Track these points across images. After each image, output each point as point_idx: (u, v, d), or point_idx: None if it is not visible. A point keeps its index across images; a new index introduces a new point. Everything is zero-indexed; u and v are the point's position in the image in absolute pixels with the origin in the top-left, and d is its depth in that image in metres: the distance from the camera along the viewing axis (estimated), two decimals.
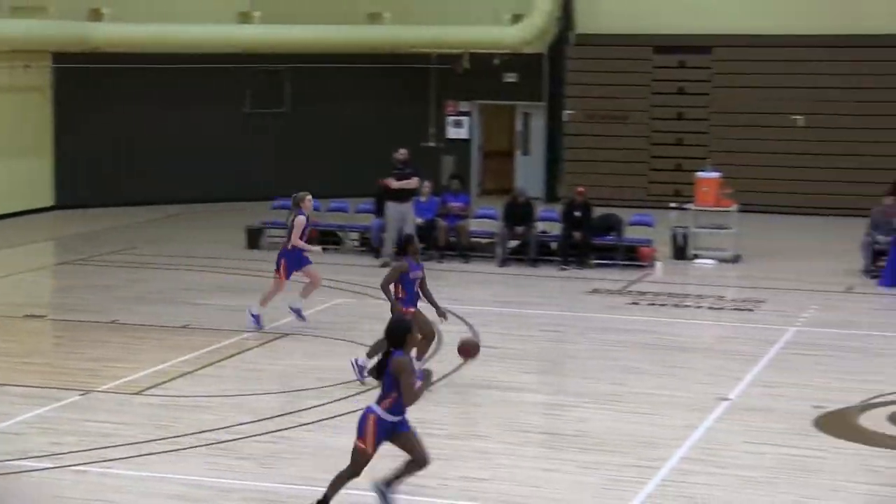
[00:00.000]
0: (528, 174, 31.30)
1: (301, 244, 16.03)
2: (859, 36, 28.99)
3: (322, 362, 14.64)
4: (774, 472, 10.78)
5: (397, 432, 9.41)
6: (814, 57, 29.46)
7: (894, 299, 19.19)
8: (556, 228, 22.40)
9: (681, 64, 30.71)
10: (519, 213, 22.07)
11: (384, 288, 13.45)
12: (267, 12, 30.08)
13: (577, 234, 21.61)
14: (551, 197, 30.61)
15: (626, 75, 30.78)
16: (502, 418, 12.49)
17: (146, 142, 29.28)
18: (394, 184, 21.75)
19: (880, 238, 20.79)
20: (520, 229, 21.84)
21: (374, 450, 9.35)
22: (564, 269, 21.05)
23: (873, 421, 12.32)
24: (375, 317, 17.35)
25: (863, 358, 15.12)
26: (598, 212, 22.39)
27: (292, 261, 16.18)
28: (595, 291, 19.40)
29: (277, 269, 16.20)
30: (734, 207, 22.69)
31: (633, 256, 21.86)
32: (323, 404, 12.70)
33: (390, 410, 9.30)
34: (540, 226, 22.58)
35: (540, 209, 23.64)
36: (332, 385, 13.45)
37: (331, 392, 13.17)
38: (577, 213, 21.85)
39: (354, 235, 23.69)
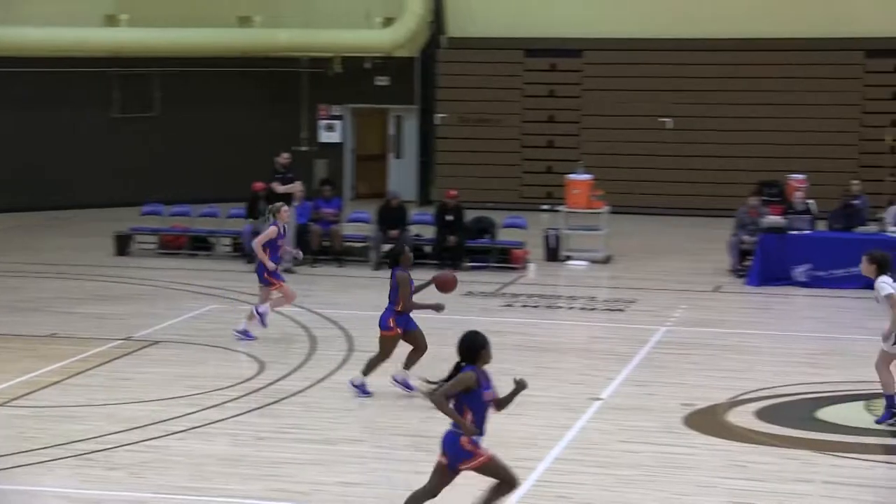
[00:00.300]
0: (401, 177, 31.33)
1: (259, 250, 15.62)
2: (726, 40, 29.58)
3: (193, 369, 14.43)
4: (647, 469, 10.91)
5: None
6: (682, 60, 29.99)
7: (761, 298, 19.60)
8: (429, 232, 22.45)
9: (552, 67, 31.01)
10: (392, 217, 22.06)
11: (415, 304, 13.02)
12: (134, 15, 29.62)
13: (451, 238, 21.68)
14: (425, 200, 30.68)
15: (498, 79, 30.97)
16: (377, 422, 12.44)
17: (12, 147, 28.63)
18: (279, 188, 21.56)
19: (746, 238, 21.20)
20: (393, 233, 21.82)
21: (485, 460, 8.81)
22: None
23: (741, 418, 12.55)
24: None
25: (731, 356, 15.40)
26: (471, 215, 22.49)
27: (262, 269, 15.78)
28: (469, 294, 19.46)
29: (267, 283, 15.73)
30: (605, 209, 22.96)
31: (506, 259, 21.99)
32: (194, 412, 12.52)
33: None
34: (413, 229, 22.59)
35: (413, 212, 23.67)
36: (202, 393, 13.26)
37: (202, 400, 12.99)
38: (450, 217, 21.93)
39: (226, 241, 23.44)
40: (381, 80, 31.48)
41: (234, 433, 11.87)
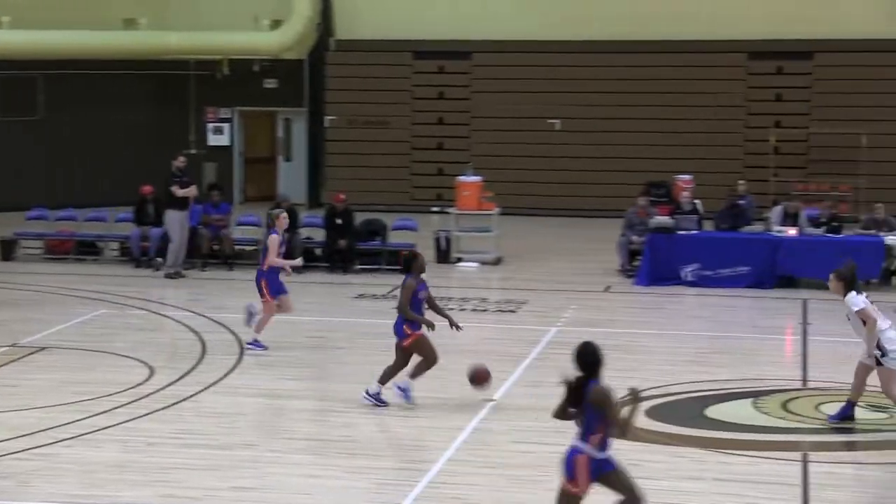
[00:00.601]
0: (291, 180, 31.15)
1: (279, 262, 15.39)
2: (615, 42, 29.90)
3: (81, 375, 14.17)
4: (541, 469, 10.94)
5: (605, 471, 8.47)
6: (570, 62, 30.25)
7: (650, 297, 19.83)
8: (320, 234, 22.34)
9: (441, 69, 31.08)
10: None
11: (407, 312, 12.78)
12: (16, 17, 29.01)
13: (340, 241, 21.61)
14: (315, 203, 30.54)
15: (387, 81, 30.96)
16: (270, 426, 12.34)
17: None
18: (179, 192, 21.22)
19: (635, 238, 21.44)
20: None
21: (587, 491, 8.43)
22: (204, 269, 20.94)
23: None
24: (137, 328, 16.99)
25: (621, 356, 15.51)
26: (361, 217, 22.43)
27: (273, 280, 15.47)
28: (361, 296, 19.40)
29: (262, 294, 15.46)
30: (495, 211, 23.06)
31: (396, 261, 21.92)
32: (83, 418, 12.29)
33: (600, 447, 8.39)
34: (304, 232, 22.46)
35: (303, 215, 23.53)
36: (91, 399, 13.03)
37: (90, 406, 12.76)
38: (339, 220, 21.85)
39: (114, 245, 23.08)
40: (270, 83, 31.26)
41: (124, 439, 11.68)
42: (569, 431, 12.00)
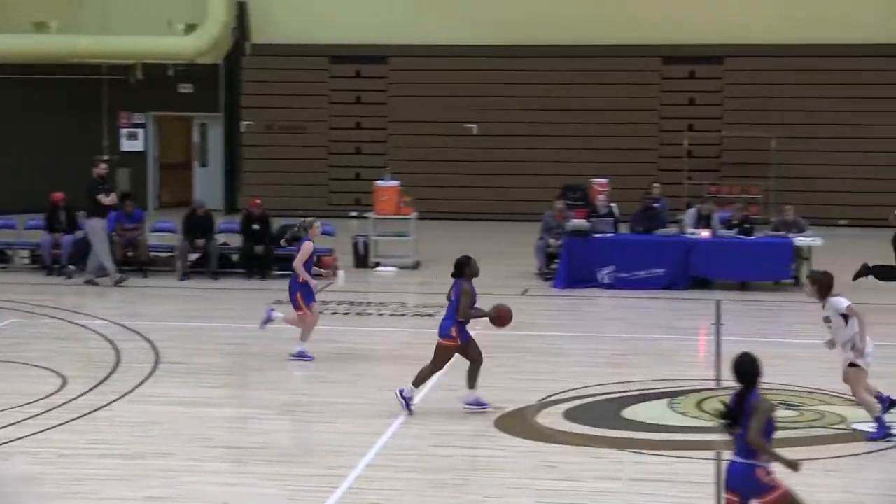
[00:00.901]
0: (207, 186, 30.92)
1: (302, 271, 15.07)
2: (531, 46, 30.05)
3: None
4: (459, 473, 10.96)
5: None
6: (486, 66, 30.35)
7: (567, 300, 19.93)
8: (237, 240, 22.18)
9: (358, 74, 31.03)
10: (198, 226, 21.72)
11: (471, 315, 12.66)
12: None
13: (257, 247, 21.48)
14: (231, 208, 30.33)
15: (304, 85, 30.86)
16: (186, 434, 12.20)
17: None
18: (105, 199, 20.88)
19: (552, 241, 21.54)
20: (200, 242, 21.48)
21: (788, 488, 8.12)
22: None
23: (550, 419, 12.72)
24: (49, 337, 16.73)
25: (539, 358, 15.61)
26: (279, 222, 22.29)
27: (307, 290, 15.21)
28: (279, 303, 19.26)
29: (297, 306, 15.21)
30: (413, 215, 23.05)
31: (314, 266, 21.80)
32: None
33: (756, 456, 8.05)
34: (221, 238, 22.29)
35: (220, 221, 23.35)
36: (0, 410, 12.79)
37: (0, 417, 12.53)
38: (256, 226, 21.71)
39: (24, 253, 22.73)
40: (185, 88, 31.00)
41: (35, 451, 11.48)
42: (491, 436, 12.05)
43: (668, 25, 29.74)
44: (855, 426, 12.38)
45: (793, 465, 8.04)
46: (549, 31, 29.96)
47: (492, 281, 21.35)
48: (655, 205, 22.33)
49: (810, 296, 12.32)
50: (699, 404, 13.23)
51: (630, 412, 12.99)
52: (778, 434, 11.97)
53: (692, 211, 21.88)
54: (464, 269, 12.89)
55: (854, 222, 28.23)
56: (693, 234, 20.93)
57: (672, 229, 21.65)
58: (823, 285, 12.13)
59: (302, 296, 15.21)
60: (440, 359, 12.88)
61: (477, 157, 30.33)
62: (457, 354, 12.95)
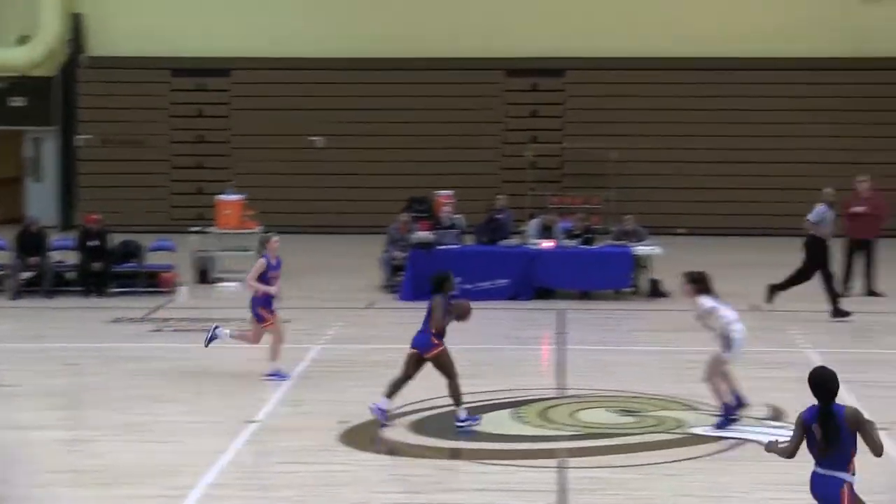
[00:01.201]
0: (41, 202, 30.16)
1: (257, 285, 14.72)
2: (373, 59, 30.05)
3: None
4: (306, 489, 10.82)
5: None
6: (330, 79, 30.27)
7: (413, 312, 19.81)
8: (73, 257, 21.64)
9: (199, 87, 30.63)
10: (31, 243, 21.13)
11: (444, 324, 12.87)
12: None
13: (95, 264, 20.99)
14: (67, 225, 29.63)
15: (143, 98, 30.36)
16: (18, 460, 11.80)
17: None
18: None
19: (397, 254, 21.52)
20: (33, 260, 20.91)
21: None
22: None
23: (396, 431, 12.67)
24: None
25: (385, 371, 15.46)
26: (117, 238, 21.83)
27: (268, 303, 14.85)
28: (117, 320, 18.87)
29: (261, 319, 14.83)
30: (257, 229, 22.79)
31: (154, 283, 21.45)
32: None
33: (853, 472, 7.88)
34: (55, 255, 21.72)
35: (55, 238, 22.76)
36: None
37: None
38: (93, 242, 21.21)
39: None
40: (17, 101, 30.18)
41: None
42: (337, 451, 11.92)
43: (511, 38, 30.02)
44: (692, 430, 12.60)
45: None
46: (393, 43, 29.99)
47: (338, 294, 21.31)
48: (499, 216, 22.48)
49: (685, 294, 12.59)
50: (543, 413, 13.32)
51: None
52: (618, 440, 12.27)
53: (535, 222, 22.09)
54: (444, 284, 13.09)
55: (692, 231, 28.88)
56: (536, 244, 21.12)
57: (515, 240, 21.81)
58: (695, 283, 12.41)
59: (264, 308, 14.97)
60: (447, 366, 12.84)
61: (322, 169, 30.21)
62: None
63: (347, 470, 11.41)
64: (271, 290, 14.92)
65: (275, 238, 15.36)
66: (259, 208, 23.79)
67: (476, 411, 13.28)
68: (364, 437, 12.48)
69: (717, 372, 12.52)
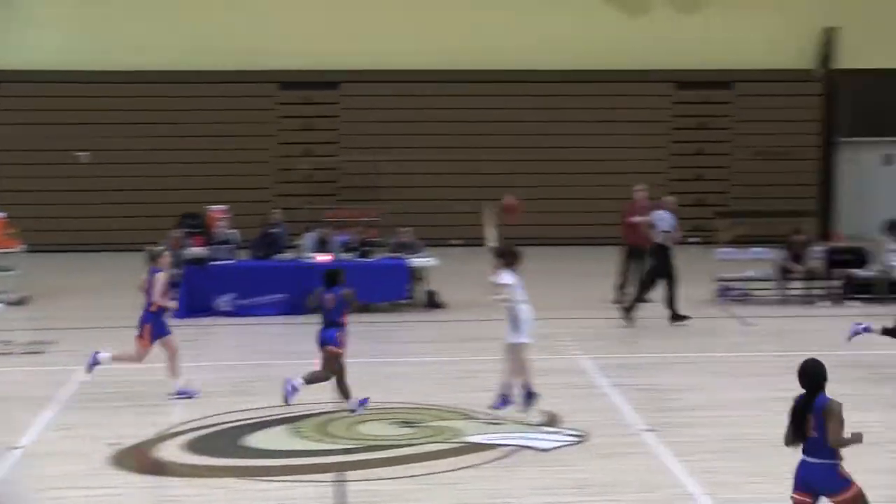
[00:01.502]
0: None
1: (165, 301, 14.49)
2: (142, 72, 29.43)
3: None
4: None
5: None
6: (98, 93, 29.53)
7: (188, 330, 19.32)
8: None
9: None
10: None
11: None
12: None
13: None
14: None
15: None
16: None
17: None
18: None
19: (174, 272, 21.01)
20: None
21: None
22: None
23: (169, 452, 12.36)
24: None
25: (158, 391, 15.07)
26: None
27: (158, 323, 14.48)
28: None
29: (140, 335, 14.44)
30: (20, 248, 22.01)
31: None
32: None
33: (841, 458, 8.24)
34: None
35: None
36: None
37: None
38: None
39: None
40: None
41: None
42: (108, 474, 11.48)
43: (284, 52, 29.80)
44: (470, 439, 12.68)
45: (859, 438, 8.22)
46: (161, 55, 29.40)
47: (106, 314, 20.62)
48: (274, 230, 22.25)
49: (495, 268, 12.99)
50: (323, 427, 13.20)
51: (252, 440, 12.81)
52: (398, 452, 12.24)
53: (311, 235, 21.94)
54: (337, 277, 13.74)
55: (467, 242, 29.14)
56: (312, 258, 20.96)
57: (290, 254, 21.62)
58: (503, 258, 12.91)
59: (151, 328, 14.65)
60: (333, 366, 13.35)
61: (90, 185, 29.39)
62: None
63: (117, 493, 11.09)
64: (172, 304, 15.27)
65: (167, 252, 15.42)
66: (24, 226, 22.90)
67: (254, 428, 13.09)
68: (135, 458, 12.13)
69: (522, 367, 12.98)
